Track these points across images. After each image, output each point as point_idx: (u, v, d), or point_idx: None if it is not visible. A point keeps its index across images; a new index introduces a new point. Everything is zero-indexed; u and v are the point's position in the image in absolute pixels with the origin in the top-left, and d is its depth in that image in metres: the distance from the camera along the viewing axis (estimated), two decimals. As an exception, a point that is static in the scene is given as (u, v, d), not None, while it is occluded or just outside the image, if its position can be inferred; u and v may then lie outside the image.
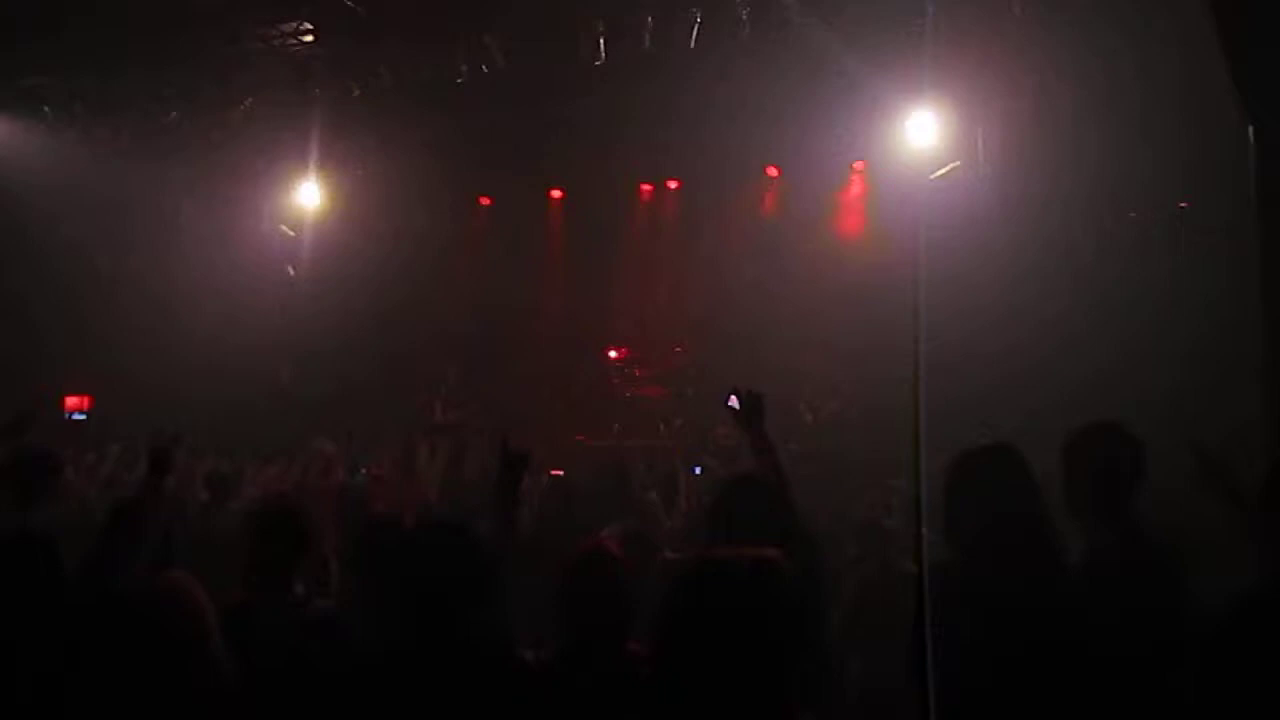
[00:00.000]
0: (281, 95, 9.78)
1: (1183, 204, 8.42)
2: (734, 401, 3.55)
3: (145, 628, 2.68)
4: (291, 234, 11.98)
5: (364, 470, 7.83)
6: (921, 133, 9.53)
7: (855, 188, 12.01)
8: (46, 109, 9.88)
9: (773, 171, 12.47)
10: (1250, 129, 4.61)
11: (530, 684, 2.70)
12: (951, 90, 9.12)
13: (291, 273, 12.02)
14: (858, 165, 11.76)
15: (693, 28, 8.73)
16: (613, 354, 12.78)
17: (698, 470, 8.51)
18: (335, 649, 2.90)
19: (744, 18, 8.71)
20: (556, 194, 13.45)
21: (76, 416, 11.38)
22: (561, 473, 9.35)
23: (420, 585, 2.68)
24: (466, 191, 13.08)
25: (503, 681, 2.68)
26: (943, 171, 9.44)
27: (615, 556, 2.88)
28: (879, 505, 5.54)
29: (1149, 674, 2.53)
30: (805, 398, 10.70)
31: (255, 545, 3.51)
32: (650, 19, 8.81)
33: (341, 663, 2.78)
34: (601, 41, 8.98)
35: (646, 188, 13.31)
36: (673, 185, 13.16)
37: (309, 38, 9.14)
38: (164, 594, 2.90)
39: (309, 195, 11.56)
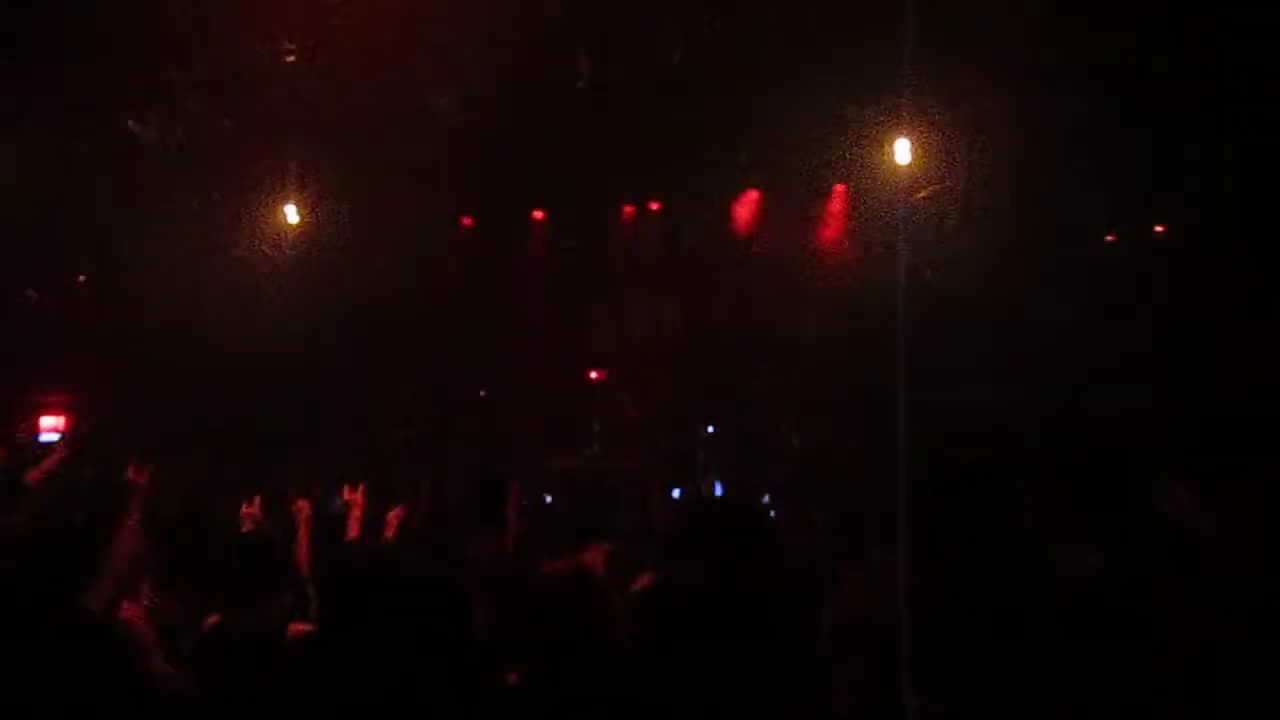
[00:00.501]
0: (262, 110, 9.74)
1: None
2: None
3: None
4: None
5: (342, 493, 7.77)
6: (903, 155, 9.61)
7: (836, 208, 12.09)
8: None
9: (754, 194, 12.53)
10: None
11: (511, 706, 2.66)
12: (931, 114, 9.22)
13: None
14: (839, 187, 11.84)
15: (676, 49, 8.78)
16: (593, 374, 12.78)
17: (676, 493, 8.52)
18: (313, 671, 2.86)
19: (725, 41, 8.76)
20: (538, 215, 13.46)
21: (47, 439, 11.27)
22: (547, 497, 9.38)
23: (399, 609, 2.65)
24: (447, 212, 13.07)
25: (483, 704, 2.64)
26: (924, 194, 9.53)
27: (596, 577, 2.86)
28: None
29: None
30: (790, 422, 10.76)
31: (232, 567, 3.50)
32: (636, 40, 8.86)
33: (320, 685, 2.74)
34: (585, 63, 9.02)
35: (628, 209, 13.35)
36: (654, 206, 13.20)
37: (290, 57, 9.11)
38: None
39: (288, 215, 11.47)
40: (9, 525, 4.11)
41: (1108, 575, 2.85)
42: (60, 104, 9.19)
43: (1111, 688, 2.51)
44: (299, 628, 3.27)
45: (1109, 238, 10.00)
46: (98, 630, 3.10)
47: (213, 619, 3.46)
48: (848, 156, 9.94)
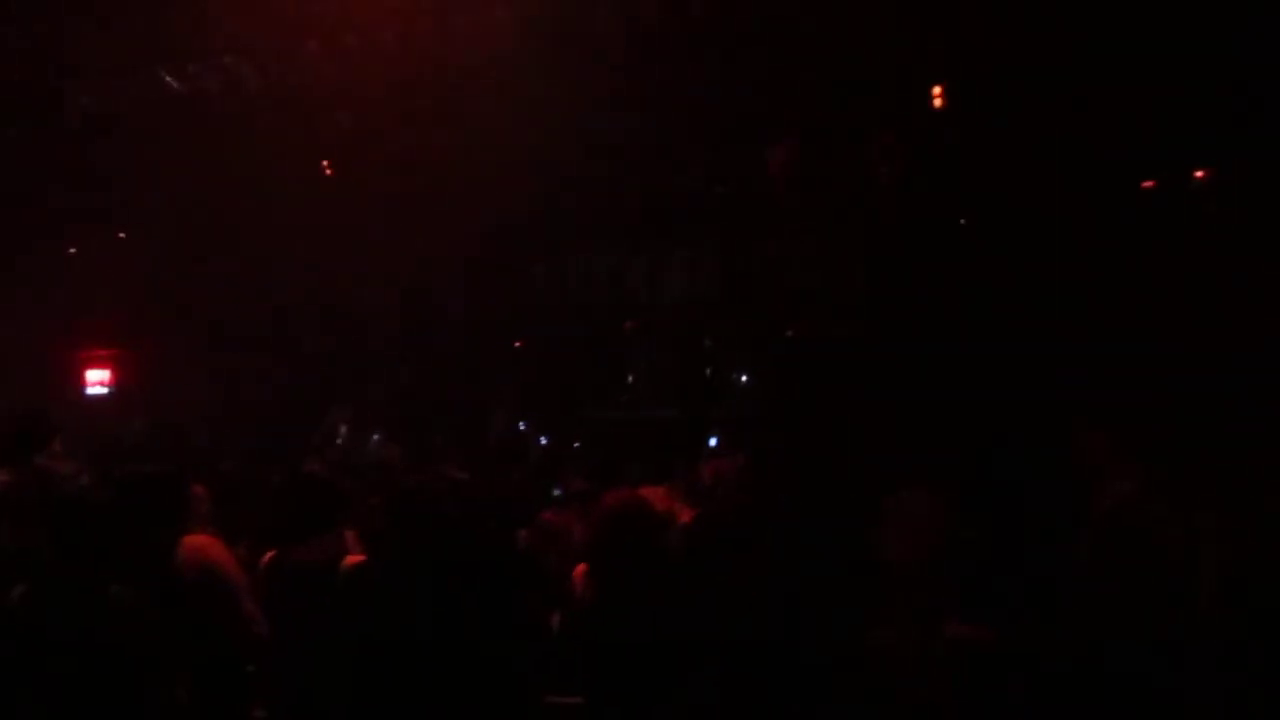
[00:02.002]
0: None
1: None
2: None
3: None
4: None
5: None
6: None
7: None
8: None
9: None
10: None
11: (569, 631, 2.75)
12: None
13: None
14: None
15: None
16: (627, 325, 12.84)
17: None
18: (369, 602, 2.96)
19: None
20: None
21: (94, 392, 11.50)
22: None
23: (451, 539, 2.74)
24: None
25: (537, 632, 2.73)
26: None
27: (656, 509, 2.91)
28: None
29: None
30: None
31: (286, 503, 3.61)
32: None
33: (376, 614, 2.84)
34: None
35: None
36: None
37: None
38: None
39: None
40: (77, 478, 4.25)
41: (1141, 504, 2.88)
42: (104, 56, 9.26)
43: (1142, 609, 2.55)
44: (353, 559, 3.37)
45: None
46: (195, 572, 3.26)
47: (269, 555, 3.58)
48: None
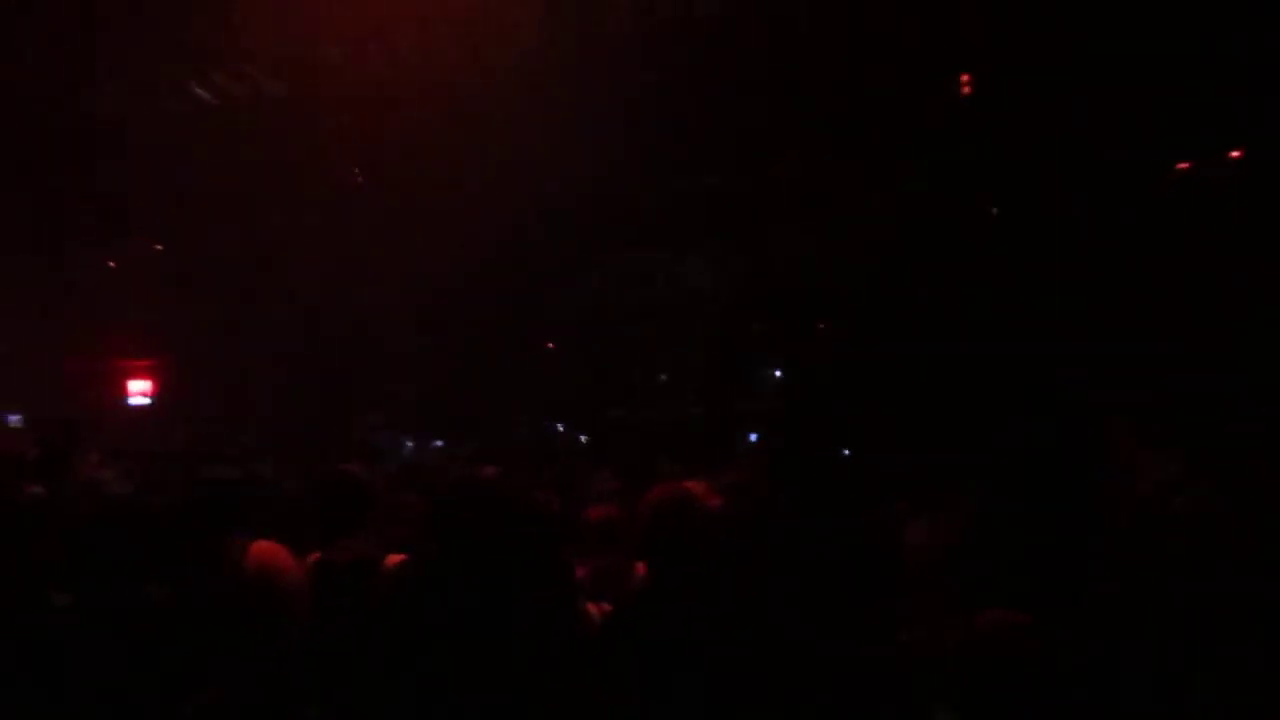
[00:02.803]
0: None
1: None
2: None
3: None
4: None
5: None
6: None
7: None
8: None
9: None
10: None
11: (615, 626, 2.79)
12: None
13: None
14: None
15: None
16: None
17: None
18: (414, 598, 3.02)
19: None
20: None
21: (136, 402, 11.68)
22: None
23: (495, 534, 2.78)
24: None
25: (581, 628, 2.77)
26: None
27: (702, 502, 2.93)
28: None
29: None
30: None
31: (326, 504, 3.68)
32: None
33: (420, 610, 2.89)
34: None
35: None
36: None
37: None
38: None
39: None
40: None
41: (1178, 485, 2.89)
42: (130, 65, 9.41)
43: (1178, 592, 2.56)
44: (395, 558, 3.43)
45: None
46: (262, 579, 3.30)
47: (314, 555, 3.64)
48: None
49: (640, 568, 3.31)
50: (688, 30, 8.61)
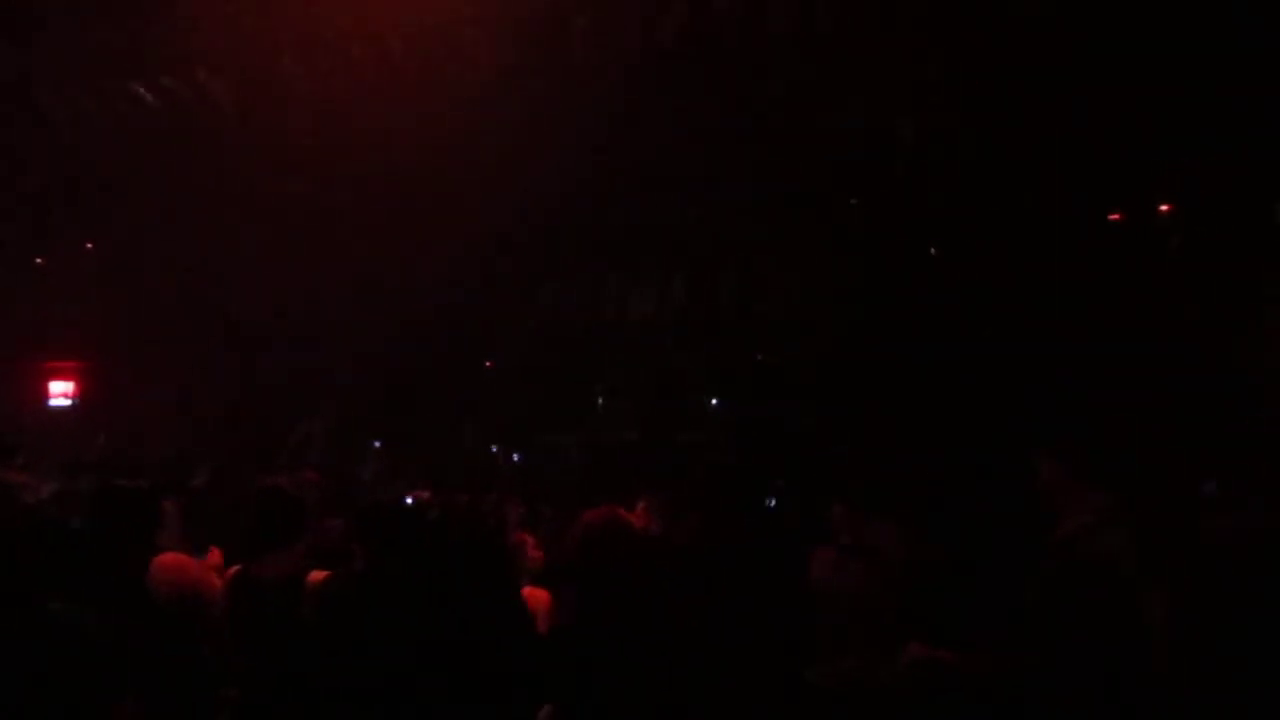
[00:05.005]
0: None
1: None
2: None
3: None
4: None
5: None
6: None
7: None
8: None
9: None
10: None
11: (552, 647, 2.77)
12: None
13: None
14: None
15: None
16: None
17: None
18: (346, 613, 2.97)
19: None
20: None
21: (57, 404, 11.36)
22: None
23: (433, 554, 2.76)
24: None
25: (522, 646, 2.75)
26: None
27: (632, 523, 2.94)
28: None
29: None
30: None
31: (254, 518, 3.61)
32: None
33: (355, 627, 2.85)
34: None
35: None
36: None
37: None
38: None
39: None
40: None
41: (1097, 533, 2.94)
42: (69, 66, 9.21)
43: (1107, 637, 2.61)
44: (317, 575, 3.38)
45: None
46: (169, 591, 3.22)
47: (235, 568, 3.57)
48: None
49: (538, 595, 3.31)
50: (649, 58, 8.67)
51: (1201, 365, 7.11)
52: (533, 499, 6.08)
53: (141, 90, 9.81)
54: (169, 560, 3.38)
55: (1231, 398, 6.54)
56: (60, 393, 11.42)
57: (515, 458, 12.00)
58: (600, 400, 12.83)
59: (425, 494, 5.73)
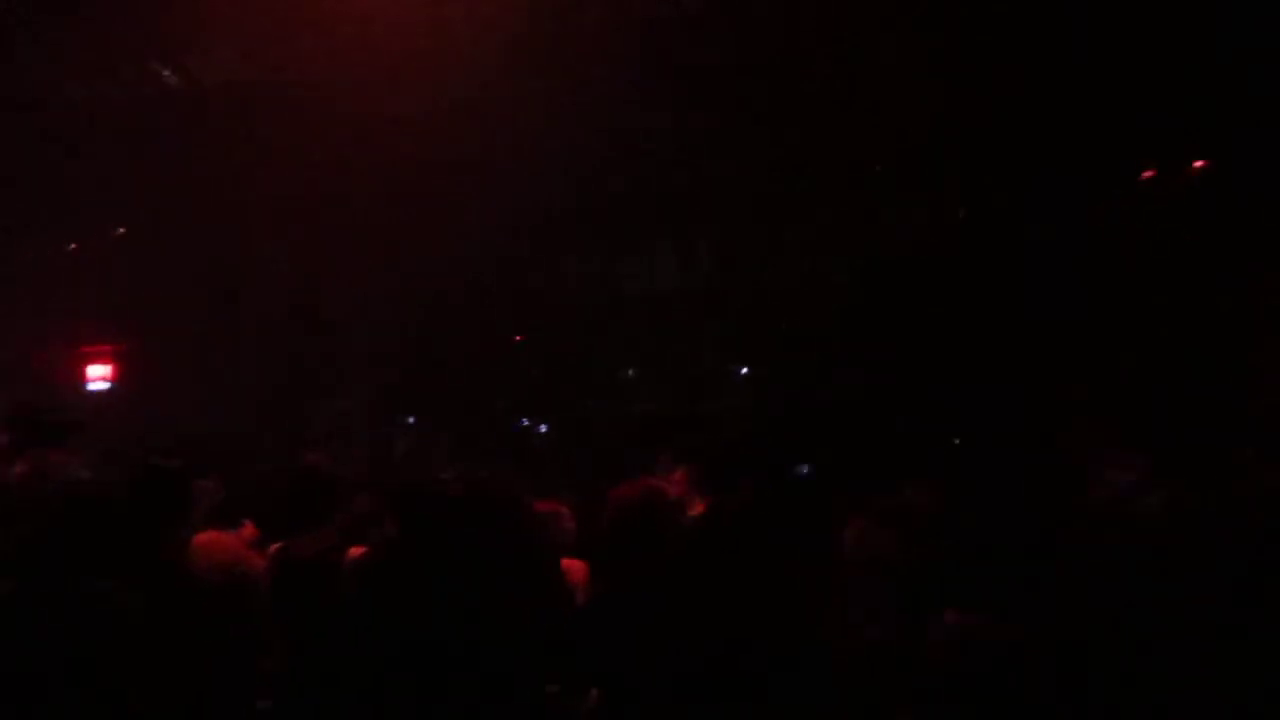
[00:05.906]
0: None
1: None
2: None
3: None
4: None
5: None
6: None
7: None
8: None
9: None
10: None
11: (579, 622, 2.79)
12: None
13: None
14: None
15: None
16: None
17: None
18: (382, 590, 3.01)
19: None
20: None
21: (95, 388, 11.51)
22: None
23: (464, 529, 2.78)
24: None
25: (549, 621, 2.77)
26: None
27: (667, 498, 2.94)
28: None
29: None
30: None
31: (291, 496, 3.66)
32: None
33: (389, 603, 2.88)
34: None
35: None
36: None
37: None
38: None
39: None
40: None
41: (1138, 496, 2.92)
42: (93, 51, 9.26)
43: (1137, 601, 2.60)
44: (357, 550, 3.42)
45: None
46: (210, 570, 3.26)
47: (276, 545, 3.62)
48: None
49: (575, 566, 3.31)
50: (662, 27, 8.60)
51: (1237, 329, 7.02)
52: (565, 470, 6.12)
53: (165, 72, 9.87)
54: (210, 538, 3.43)
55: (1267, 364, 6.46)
56: (98, 376, 11.55)
57: (543, 429, 12.07)
58: (630, 371, 12.83)
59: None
